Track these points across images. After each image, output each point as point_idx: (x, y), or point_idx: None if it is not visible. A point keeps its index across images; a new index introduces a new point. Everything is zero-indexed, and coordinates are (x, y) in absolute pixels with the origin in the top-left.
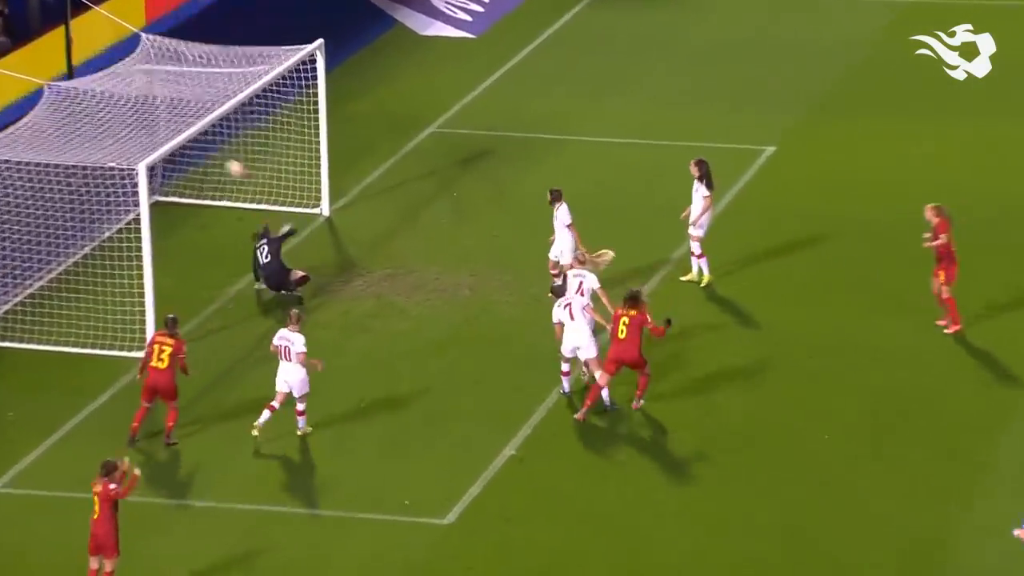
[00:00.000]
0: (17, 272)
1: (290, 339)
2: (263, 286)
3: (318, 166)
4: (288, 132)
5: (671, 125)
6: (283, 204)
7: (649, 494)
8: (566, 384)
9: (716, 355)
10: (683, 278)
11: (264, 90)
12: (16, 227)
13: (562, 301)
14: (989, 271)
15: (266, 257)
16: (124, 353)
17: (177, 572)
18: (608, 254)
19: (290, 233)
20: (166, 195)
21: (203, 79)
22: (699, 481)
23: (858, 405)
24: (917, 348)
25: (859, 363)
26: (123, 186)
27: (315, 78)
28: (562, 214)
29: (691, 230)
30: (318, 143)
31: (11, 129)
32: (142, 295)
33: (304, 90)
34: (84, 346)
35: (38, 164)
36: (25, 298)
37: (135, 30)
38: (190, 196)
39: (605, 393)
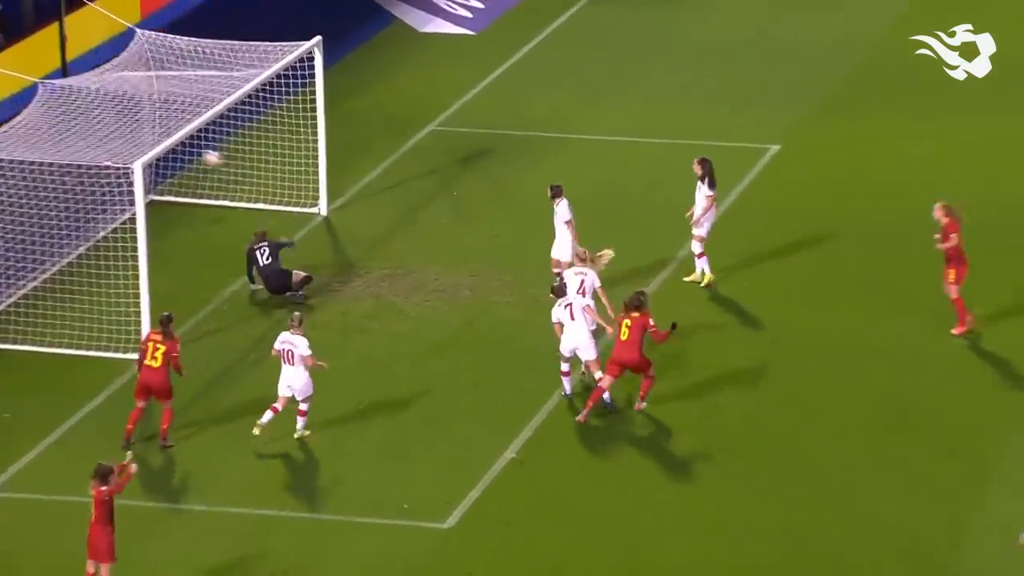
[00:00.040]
0: (11, 272)
1: (294, 342)
2: (259, 287)
3: (316, 165)
4: (285, 130)
5: (674, 123)
6: (280, 204)
7: (650, 496)
8: (567, 386)
9: (718, 356)
10: (687, 278)
11: (261, 88)
12: (10, 227)
13: (563, 301)
14: (992, 271)
15: (267, 259)
16: (119, 355)
17: None
18: (608, 253)
19: (289, 245)
20: (161, 194)
21: (199, 76)
22: (701, 483)
23: (861, 406)
24: (921, 349)
25: (863, 364)
26: (118, 185)
27: (313, 75)
28: (561, 210)
29: (693, 229)
30: (316, 141)
31: (5, 127)
32: (137, 296)
33: (301, 88)
34: (79, 347)
35: (32, 163)
36: (19, 298)
37: (129, 25)
38: (186, 195)
39: (606, 394)
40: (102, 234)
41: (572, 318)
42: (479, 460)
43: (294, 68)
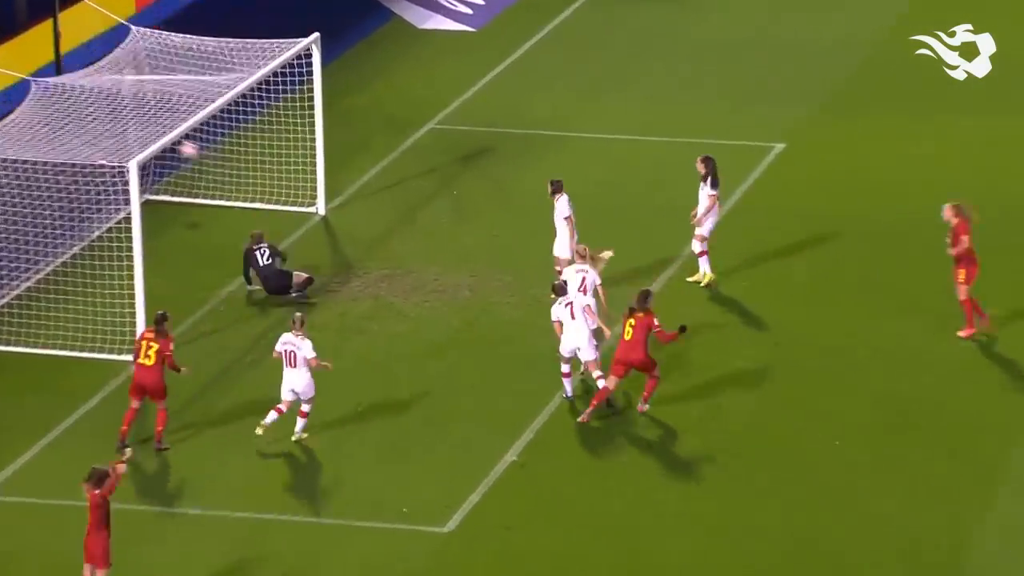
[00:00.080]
0: (4, 273)
1: (297, 344)
2: (256, 287)
3: (314, 163)
4: (282, 129)
5: (677, 122)
6: (278, 203)
7: (652, 498)
8: (568, 387)
9: (720, 356)
10: (690, 279)
11: (258, 85)
12: (3, 226)
13: (563, 299)
14: (992, 272)
15: (267, 259)
16: (114, 356)
17: None
18: (608, 254)
19: (281, 256)
20: (157, 193)
21: (195, 74)
22: (702, 485)
23: (864, 407)
24: (925, 350)
25: (865, 364)
26: (113, 184)
27: (310, 73)
28: (561, 206)
29: (695, 228)
30: (314, 140)
31: None
32: (132, 296)
33: (299, 85)
34: (73, 348)
35: (25, 162)
36: (12, 299)
37: (122, 21)
38: (182, 195)
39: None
40: (96, 234)
41: (572, 317)
42: (479, 463)
43: (291, 65)
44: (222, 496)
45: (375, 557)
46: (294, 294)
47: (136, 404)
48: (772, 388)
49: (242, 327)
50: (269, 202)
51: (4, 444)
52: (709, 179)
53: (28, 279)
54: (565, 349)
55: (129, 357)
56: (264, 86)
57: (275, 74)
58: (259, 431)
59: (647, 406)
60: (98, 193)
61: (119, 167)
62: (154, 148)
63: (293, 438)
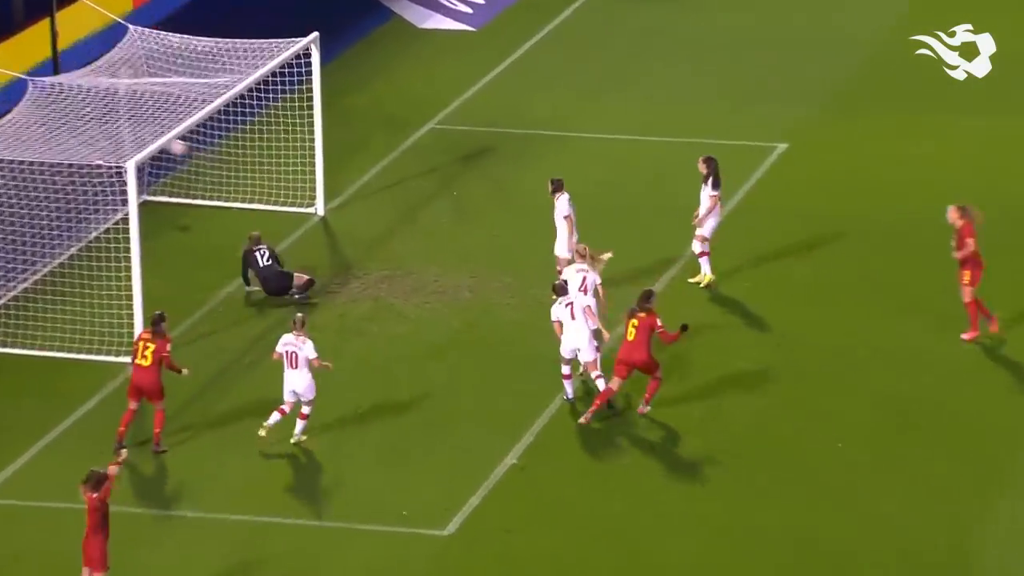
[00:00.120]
0: (1, 274)
1: (298, 345)
2: (254, 288)
3: (313, 164)
4: (281, 129)
5: (678, 122)
6: (276, 204)
7: (654, 501)
8: (568, 389)
9: (722, 357)
10: (691, 279)
11: (256, 85)
12: (0, 227)
13: (564, 299)
14: (997, 272)
15: (267, 260)
16: (111, 358)
17: None
18: (607, 255)
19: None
20: (155, 194)
21: (193, 73)
22: (704, 487)
23: (867, 409)
24: (929, 351)
25: (869, 366)
26: (111, 184)
27: (309, 72)
28: (560, 205)
29: (696, 229)
30: (312, 140)
31: None
32: (130, 297)
33: (298, 85)
34: (70, 350)
35: (22, 162)
36: (9, 300)
37: (116, 18)
38: (180, 196)
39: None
40: (94, 234)
41: (572, 318)
42: (479, 465)
43: (291, 65)
44: (221, 499)
45: (375, 560)
46: (296, 296)
47: (134, 405)
48: (774, 389)
49: (240, 328)
50: (268, 203)
51: (1, 446)
52: (710, 179)
53: (25, 280)
54: (565, 350)
55: (127, 359)
56: (263, 86)
57: (274, 74)
58: (262, 432)
59: (648, 408)
60: (95, 194)
61: (117, 167)
62: (152, 148)
63: (292, 440)
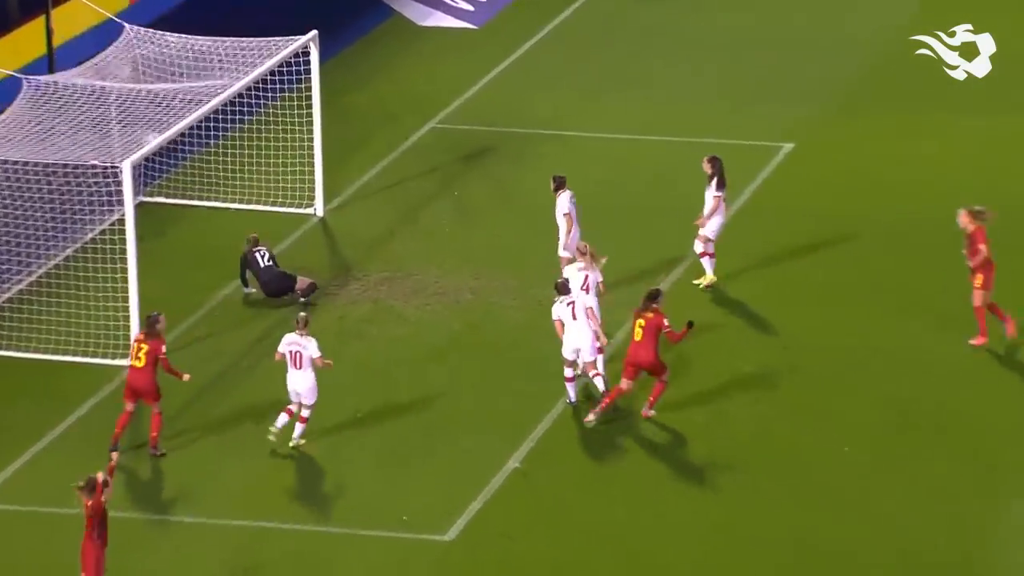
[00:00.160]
0: None
1: (302, 344)
2: (252, 290)
3: (312, 164)
4: (280, 128)
5: (684, 121)
6: (275, 204)
7: (657, 506)
8: (571, 392)
9: (727, 361)
10: (696, 281)
11: (255, 84)
12: None
13: (565, 298)
14: (1003, 274)
15: (268, 261)
16: (107, 360)
17: None
18: (602, 260)
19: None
20: (151, 195)
21: (190, 72)
22: (709, 493)
23: (875, 413)
24: (937, 354)
25: (877, 369)
26: (106, 185)
27: (308, 71)
28: (561, 202)
29: (699, 229)
30: (312, 139)
31: None
32: (126, 299)
33: (297, 83)
34: (65, 353)
35: (16, 162)
36: (4, 302)
37: (115, 19)
38: (176, 196)
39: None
40: (90, 236)
41: (574, 317)
42: (481, 470)
43: (289, 63)
44: (219, 503)
45: (375, 566)
46: (302, 299)
47: (130, 407)
48: (780, 393)
49: (239, 331)
50: (266, 203)
51: None
52: (715, 180)
53: (20, 282)
54: (567, 351)
55: (123, 361)
56: (261, 84)
57: (272, 72)
58: (271, 437)
59: (652, 411)
60: (91, 194)
61: (112, 167)
62: (148, 148)
63: (291, 444)
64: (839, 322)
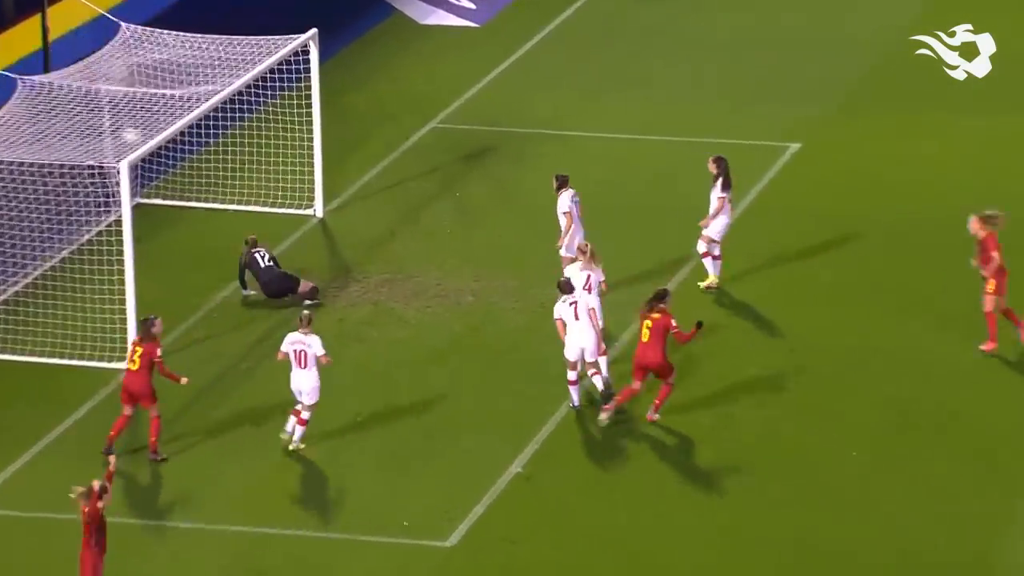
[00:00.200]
0: None
1: (307, 342)
2: (251, 292)
3: (311, 164)
4: (279, 128)
5: (684, 121)
6: (274, 205)
7: (662, 511)
8: (575, 396)
9: (733, 363)
10: (701, 283)
11: (253, 83)
12: None
13: (568, 298)
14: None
15: (268, 261)
16: (104, 363)
17: None
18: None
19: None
20: (148, 196)
21: (187, 71)
22: (715, 497)
23: (883, 417)
24: (946, 357)
25: (885, 372)
26: (103, 186)
27: (308, 70)
28: (561, 202)
29: (703, 229)
30: (311, 139)
31: None
32: (123, 302)
33: (296, 83)
34: (62, 356)
35: (11, 163)
36: None
37: (112, 18)
38: (174, 197)
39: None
40: (86, 237)
41: (576, 318)
42: (482, 474)
43: (288, 62)
44: (217, 509)
45: (376, 572)
46: (307, 301)
47: (128, 411)
48: (787, 396)
49: (237, 333)
50: (265, 204)
51: None
52: (720, 180)
53: (15, 284)
54: (571, 352)
55: (120, 364)
56: (260, 84)
57: (271, 71)
58: (291, 446)
59: (658, 415)
60: (87, 195)
61: (109, 168)
62: (145, 148)
63: (291, 447)
64: (846, 323)
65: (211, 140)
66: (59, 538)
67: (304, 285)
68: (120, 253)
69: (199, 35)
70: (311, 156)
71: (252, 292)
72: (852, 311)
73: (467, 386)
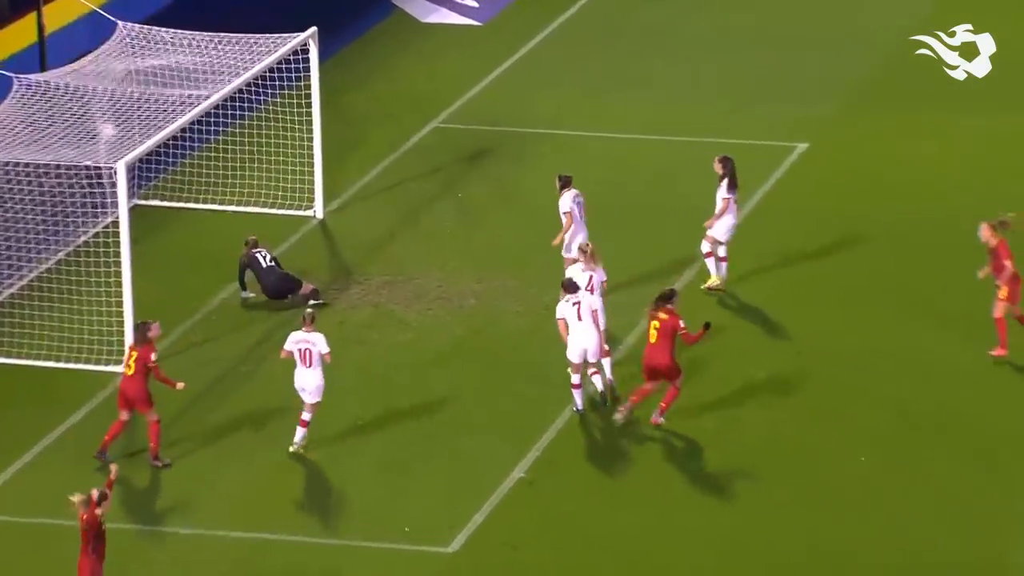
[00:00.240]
0: None
1: (312, 340)
2: (250, 294)
3: (311, 164)
4: (278, 128)
5: (686, 121)
6: (273, 206)
7: (667, 517)
8: (578, 400)
9: (738, 366)
10: (704, 285)
11: (252, 82)
12: None
13: (571, 298)
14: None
15: (269, 262)
16: (101, 367)
17: None
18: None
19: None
20: (146, 197)
21: (185, 70)
22: (719, 501)
23: (891, 420)
24: (956, 360)
25: (893, 375)
26: (100, 186)
27: (308, 69)
28: (562, 201)
29: (707, 230)
30: (311, 139)
31: None
32: (120, 304)
33: (296, 82)
34: (58, 359)
35: (7, 163)
36: None
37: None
38: (172, 198)
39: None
40: (83, 239)
41: (579, 318)
42: (485, 480)
43: (288, 61)
44: (216, 514)
45: None
46: (311, 301)
47: (125, 416)
48: (793, 400)
49: (236, 335)
50: (264, 205)
51: None
52: (726, 181)
53: (11, 286)
54: (574, 354)
55: (117, 368)
56: (259, 83)
57: (270, 70)
58: (292, 448)
59: (662, 419)
60: (84, 196)
61: (106, 168)
62: (143, 149)
63: (291, 449)
64: (851, 325)
65: (209, 140)
66: (56, 543)
67: (306, 287)
68: (117, 255)
69: (198, 34)
70: (311, 156)
71: (251, 294)
72: (856, 312)
73: (469, 389)
